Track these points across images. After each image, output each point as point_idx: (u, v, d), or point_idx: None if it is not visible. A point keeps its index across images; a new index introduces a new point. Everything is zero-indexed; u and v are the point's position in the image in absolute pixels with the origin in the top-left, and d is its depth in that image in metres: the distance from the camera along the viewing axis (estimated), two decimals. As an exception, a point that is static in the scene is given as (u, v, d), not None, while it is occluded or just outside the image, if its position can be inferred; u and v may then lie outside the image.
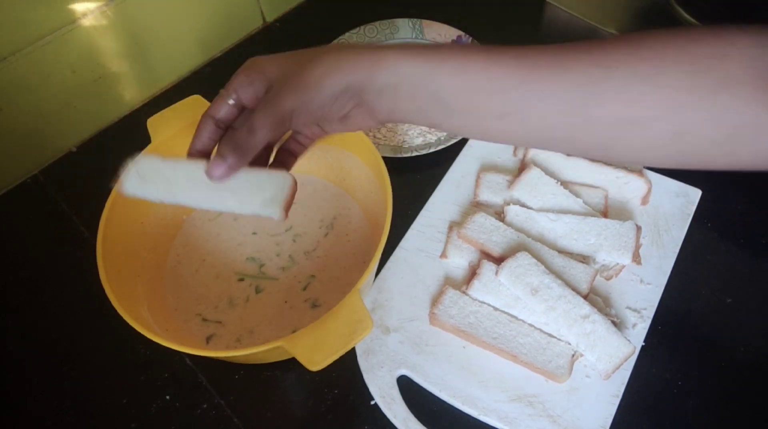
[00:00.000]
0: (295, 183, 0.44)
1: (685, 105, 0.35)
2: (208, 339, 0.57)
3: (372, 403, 0.54)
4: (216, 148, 0.42)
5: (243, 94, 0.42)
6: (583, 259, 0.60)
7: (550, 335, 0.55)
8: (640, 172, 0.64)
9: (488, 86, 0.37)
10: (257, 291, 0.60)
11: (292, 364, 0.48)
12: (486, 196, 0.65)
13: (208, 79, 0.81)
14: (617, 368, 0.53)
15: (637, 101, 0.36)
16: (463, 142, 0.70)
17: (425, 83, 0.38)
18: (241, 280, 0.61)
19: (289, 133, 0.47)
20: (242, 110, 0.43)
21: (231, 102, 0.42)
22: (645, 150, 0.38)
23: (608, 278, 0.59)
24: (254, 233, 0.64)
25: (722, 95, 0.34)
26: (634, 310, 0.58)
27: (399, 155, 0.68)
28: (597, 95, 0.36)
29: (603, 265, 0.60)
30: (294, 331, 0.45)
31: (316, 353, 0.44)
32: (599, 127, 0.37)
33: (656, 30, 0.36)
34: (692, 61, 0.35)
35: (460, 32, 0.80)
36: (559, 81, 0.36)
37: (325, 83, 0.39)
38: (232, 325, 0.58)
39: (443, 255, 0.62)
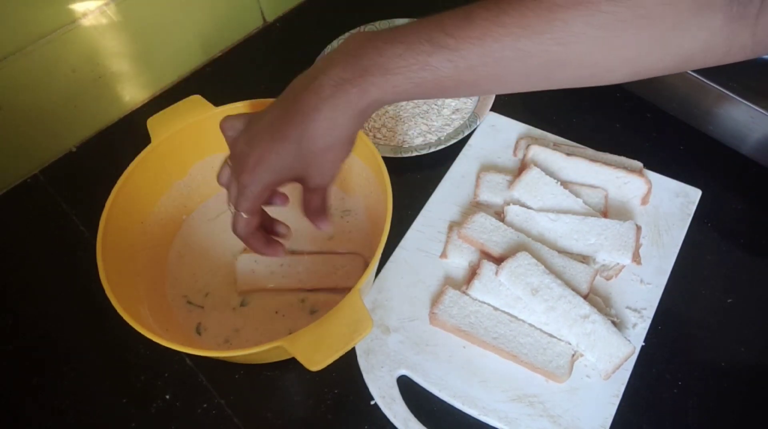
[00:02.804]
0: None
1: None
2: (198, 328, 0.58)
3: (372, 403, 0.54)
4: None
5: (265, 201, 0.48)
6: (583, 259, 0.60)
7: (551, 335, 0.55)
8: (640, 172, 0.64)
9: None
10: (243, 303, 0.60)
11: (292, 364, 0.48)
12: (486, 196, 0.65)
13: (208, 79, 0.81)
14: (617, 368, 0.53)
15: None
16: (463, 142, 0.70)
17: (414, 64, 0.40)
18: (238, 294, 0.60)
19: None
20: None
21: (253, 218, 0.47)
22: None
23: (608, 278, 0.59)
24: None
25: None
26: (634, 310, 0.58)
27: (399, 155, 0.68)
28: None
29: (603, 265, 0.60)
30: (290, 332, 0.45)
31: (316, 353, 0.44)
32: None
33: None
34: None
35: (460, 32, 0.80)
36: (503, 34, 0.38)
37: (354, 140, 0.44)
38: (218, 320, 0.58)
39: (443, 255, 0.62)
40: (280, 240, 0.53)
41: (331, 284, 0.59)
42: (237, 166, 0.44)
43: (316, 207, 0.48)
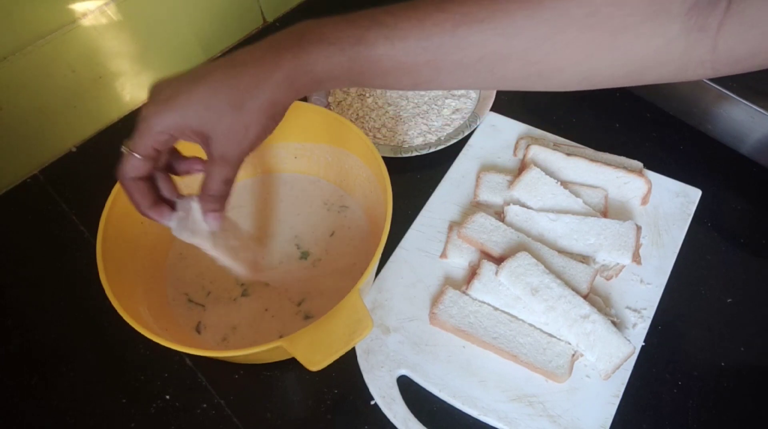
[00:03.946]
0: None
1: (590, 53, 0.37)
2: (197, 326, 0.58)
3: (372, 403, 0.54)
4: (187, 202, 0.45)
5: (162, 147, 0.41)
6: (583, 259, 0.60)
7: (550, 335, 0.55)
8: (640, 172, 0.64)
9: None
10: (245, 293, 0.60)
11: (292, 364, 0.48)
12: (486, 196, 0.65)
13: (208, 79, 0.81)
14: (617, 368, 0.53)
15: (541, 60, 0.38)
16: (463, 142, 0.70)
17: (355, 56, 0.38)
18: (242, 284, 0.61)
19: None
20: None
21: (144, 162, 0.41)
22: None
23: (608, 278, 0.59)
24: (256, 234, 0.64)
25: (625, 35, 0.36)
26: (634, 310, 0.58)
27: (399, 155, 0.68)
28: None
29: (603, 265, 0.60)
30: (281, 334, 0.45)
31: (316, 353, 0.44)
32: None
33: None
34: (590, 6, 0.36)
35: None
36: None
37: (280, 114, 0.40)
38: (218, 317, 0.59)
39: (443, 255, 0.62)
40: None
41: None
42: (147, 101, 0.40)
43: (213, 189, 0.42)
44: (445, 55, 0.38)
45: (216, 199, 0.43)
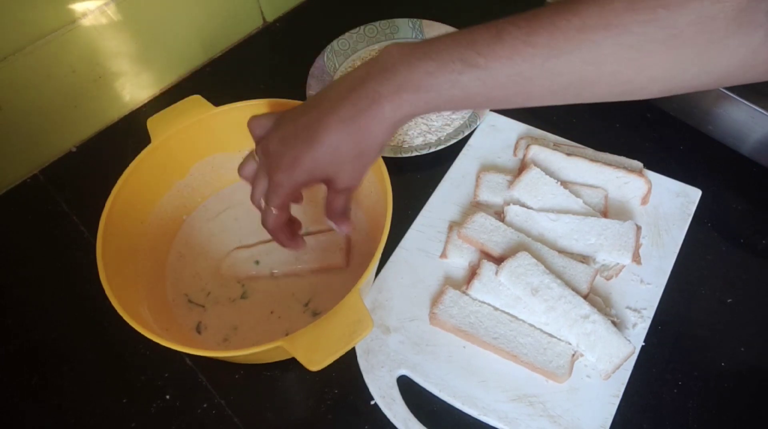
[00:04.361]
0: None
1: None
2: (198, 327, 0.58)
3: (372, 403, 0.54)
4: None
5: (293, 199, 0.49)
6: (583, 259, 0.60)
7: (551, 335, 0.55)
8: (640, 172, 0.64)
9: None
10: (244, 296, 0.60)
11: (292, 364, 0.48)
12: (486, 196, 0.65)
13: (208, 79, 0.81)
14: (617, 368, 0.53)
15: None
16: (463, 142, 0.70)
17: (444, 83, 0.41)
18: (239, 283, 0.61)
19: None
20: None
21: (281, 212, 0.49)
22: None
23: (608, 278, 0.59)
24: (255, 234, 0.64)
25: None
26: (634, 310, 0.58)
27: (399, 155, 0.68)
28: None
29: (603, 265, 0.60)
30: (287, 334, 0.45)
31: (316, 353, 0.44)
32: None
33: None
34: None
35: (460, 32, 0.80)
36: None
37: (374, 161, 0.48)
38: (218, 318, 0.59)
39: (443, 255, 0.62)
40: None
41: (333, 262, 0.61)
42: (271, 163, 0.46)
43: (339, 209, 0.50)
44: (535, 85, 0.40)
45: (343, 213, 0.50)
